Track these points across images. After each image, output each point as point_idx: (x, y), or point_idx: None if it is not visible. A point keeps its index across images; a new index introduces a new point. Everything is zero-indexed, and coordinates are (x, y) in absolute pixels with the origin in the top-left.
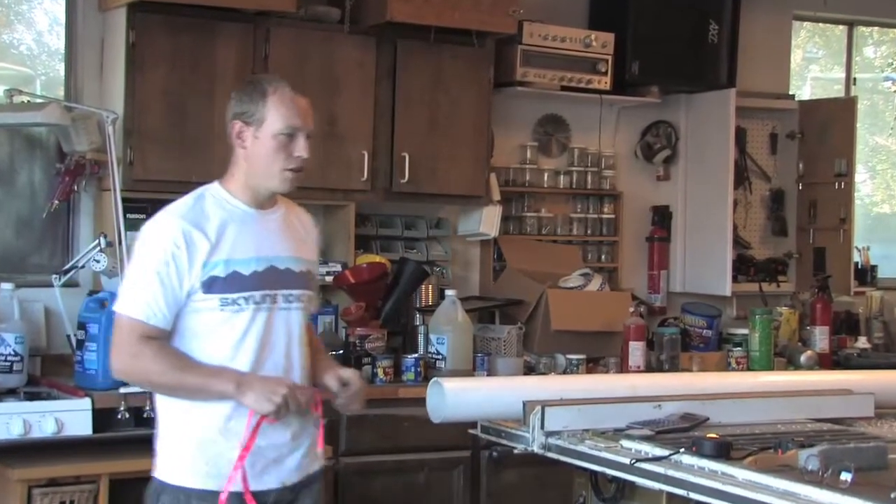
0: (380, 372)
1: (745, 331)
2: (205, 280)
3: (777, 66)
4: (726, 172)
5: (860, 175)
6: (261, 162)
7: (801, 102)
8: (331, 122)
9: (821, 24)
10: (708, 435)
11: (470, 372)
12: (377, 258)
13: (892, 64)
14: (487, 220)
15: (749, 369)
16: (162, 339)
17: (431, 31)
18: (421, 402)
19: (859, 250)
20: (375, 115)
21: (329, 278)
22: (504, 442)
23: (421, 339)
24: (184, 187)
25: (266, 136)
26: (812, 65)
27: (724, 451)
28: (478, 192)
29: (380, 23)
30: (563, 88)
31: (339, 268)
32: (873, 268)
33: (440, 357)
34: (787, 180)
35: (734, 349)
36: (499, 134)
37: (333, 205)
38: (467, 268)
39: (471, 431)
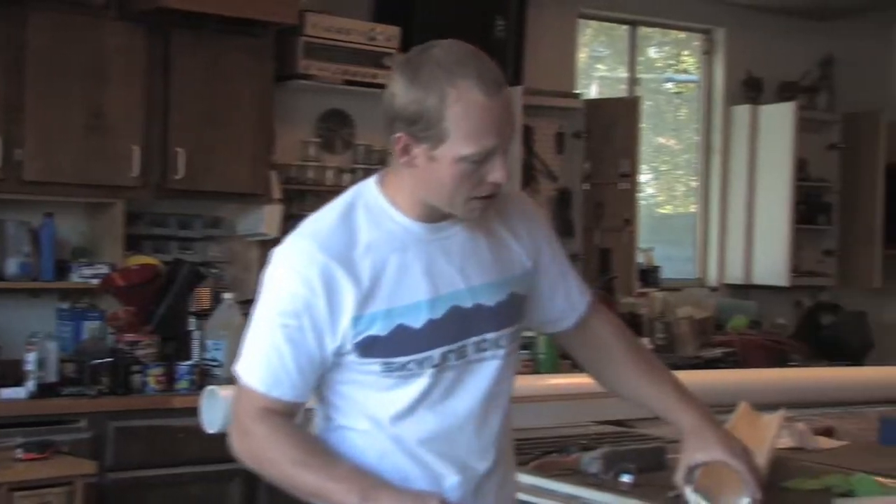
0: (151, 381)
1: (531, 333)
2: (359, 341)
3: (563, 63)
4: (513, 171)
5: (644, 176)
6: (437, 190)
7: (587, 101)
8: (97, 114)
9: (605, 24)
10: None
11: None
12: (148, 259)
13: (673, 65)
14: (269, 220)
15: (536, 373)
16: (289, 414)
17: (209, 20)
18: (196, 411)
19: (643, 251)
20: (147, 107)
21: (95, 281)
22: None
23: (196, 345)
24: None
25: (447, 159)
26: (598, 64)
27: None
28: (258, 190)
29: (151, 9)
30: (347, 83)
31: (106, 270)
32: (656, 269)
33: (217, 364)
34: (574, 180)
35: (520, 352)
36: (280, 129)
37: (98, 202)
38: (246, 269)
39: None
